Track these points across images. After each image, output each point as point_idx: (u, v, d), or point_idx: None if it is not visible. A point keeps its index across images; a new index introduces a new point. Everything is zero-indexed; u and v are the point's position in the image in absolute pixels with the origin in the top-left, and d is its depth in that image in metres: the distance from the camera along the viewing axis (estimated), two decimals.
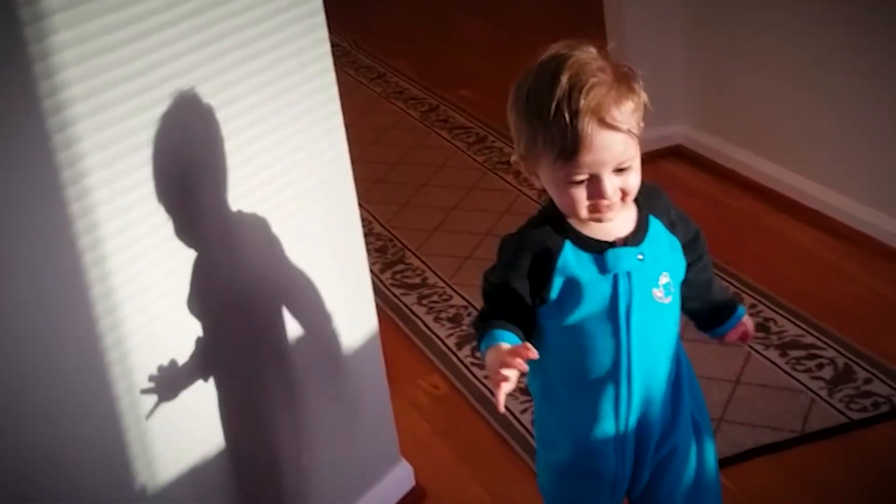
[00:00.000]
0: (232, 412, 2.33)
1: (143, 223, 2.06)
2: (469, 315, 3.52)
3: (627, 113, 1.80)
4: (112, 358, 2.04)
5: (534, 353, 1.79)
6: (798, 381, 3.06)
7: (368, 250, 3.94)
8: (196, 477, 2.25)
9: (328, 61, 2.40)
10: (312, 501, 2.56)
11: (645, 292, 1.92)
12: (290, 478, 2.50)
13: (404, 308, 3.64)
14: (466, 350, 3.36)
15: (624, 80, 1.82)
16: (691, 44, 4.27)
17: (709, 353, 3.21)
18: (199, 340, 2.21)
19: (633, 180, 1.83)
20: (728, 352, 3.20)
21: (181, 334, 2.18)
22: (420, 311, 3.61)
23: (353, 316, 2.59)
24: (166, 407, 2.16)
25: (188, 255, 2.16)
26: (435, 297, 3.67)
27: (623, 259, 1.90)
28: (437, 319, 3.55)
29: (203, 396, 2.25)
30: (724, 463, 2.78)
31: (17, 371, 1.90)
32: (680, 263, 1.97)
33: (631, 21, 4.31)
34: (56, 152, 1.88)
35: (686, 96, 4.37)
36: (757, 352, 3.19)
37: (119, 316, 2.04)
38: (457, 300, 3.63)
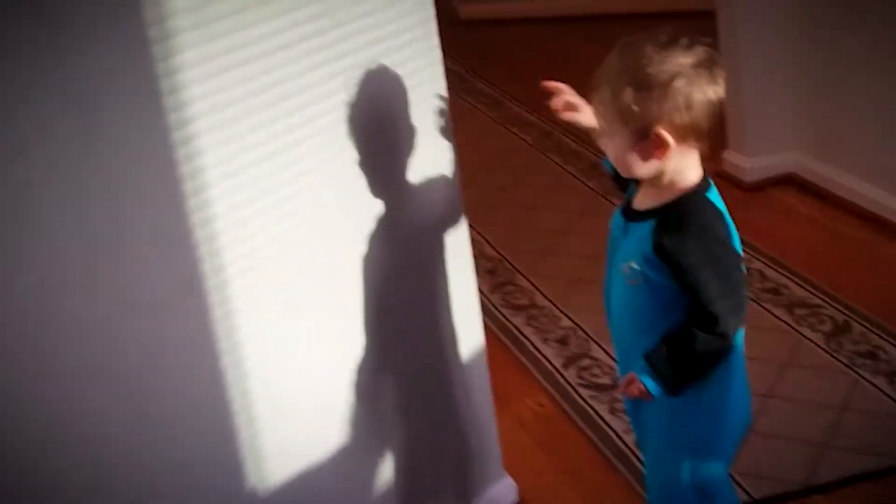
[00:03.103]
0: (344, 422, 2.41)
1: (260, 232, 2.16)
2: (576, 336, 3.57)
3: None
4: (226, 362, 2.13)
5: None
6: None
7: (479, 272, 4.01)
8: (304, 482, 2.33)
9: (442, 88, 2.48)
10: None
11: (617, 261, 2.14)
12: (396, 489, 2.56)
13: (512, 328, 3.69)
14: (573, 370, 3.40)
15: None
16: (804, 71, 4.27)
17: (815, 377, 3.22)
18: (309, 353, 2.30)
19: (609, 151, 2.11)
20: (834, 377, 3.20)
21: (293, 344, 2.26)
22: (528, 331, 3.66)
23: (462, 334, 2.65)
24: (278, 411, 2.25)
25: (305, 267, 2.25)
26: (543, 319, 3.72)
27: (615, 222, 2.17)
28: (545, 340, 3.59)
29: (315, 404, 2.33)
30: (829, 487, 2.80)
31: (129, 371, 2.00)
32: (651, 271, 2.06)
33: (745, 49, 4.32)
34: (175, 147, 1.99)
35: (799, 124, 4.36)
36: (865, 378, 3.18)
37: (234, 321, 2.13)
38: (565, 322, 3.67)
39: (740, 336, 2.16)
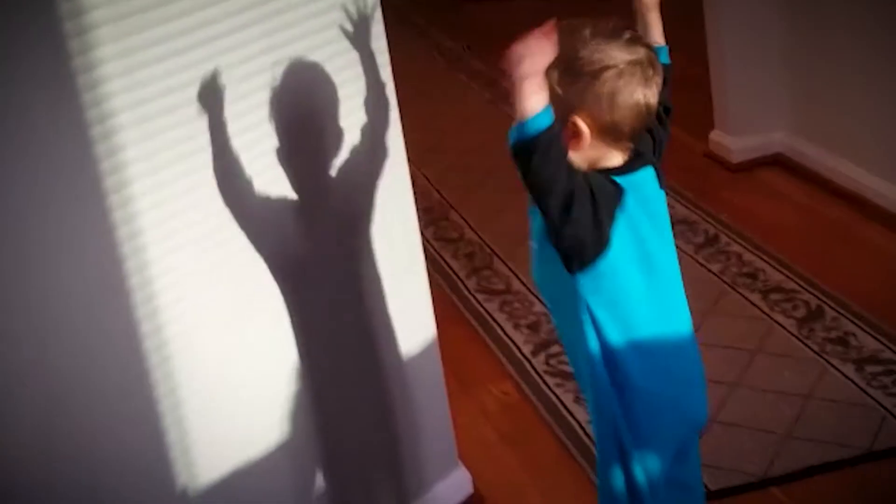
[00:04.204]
0: (283, 416, 2.38)
1: (184, 229, 2.13)
2: (548, 321, 3.53)
3: None
4: (153, 361, 2.11)
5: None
6: (872, 397, 2.99)
7: (457, 255, 4.01)
8: (239, 480, 2.30)
9: (387, 70, 2.44)
10: (367, 501, 2.60)
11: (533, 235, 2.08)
12: (341, 483, 2.54)
13: (485, 313, 3.66)
14: (541, 358, 3.36)
15: None
16: (790, 48, 4.20)
17: (784, 365, 3.18)
18: (241, 348, 2.27)
19: None
20: (804, 365, 3.16)
21: (222, 340, 2.24)
22: (500, 317, 3.62)
23: (411, 325, 2.62)
24: (209, 409, 2.22)
25: (237, 264, 2.23)
26: (517, 304, 3.68)
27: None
28: (516, 326, 3.56)
29: (248, 399, 2.31)
30: (787, 479, 2.76)
31: (53, 373, 1.98)
32: (545, 250, 1.99)
33: (729, 26, 4.26)
34: (96, 143, 1.97)
35: (786, 104, 4.30)
36: (833, 366, 3.13)
37: (159, 320, 2.10)
38: (538, 307, 3.63)
39: (684, 329, 2.10)
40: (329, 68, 2.32)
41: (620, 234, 1.93)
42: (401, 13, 6.02)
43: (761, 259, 3.72)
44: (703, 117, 4.53)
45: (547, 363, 3.33)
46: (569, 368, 3.27)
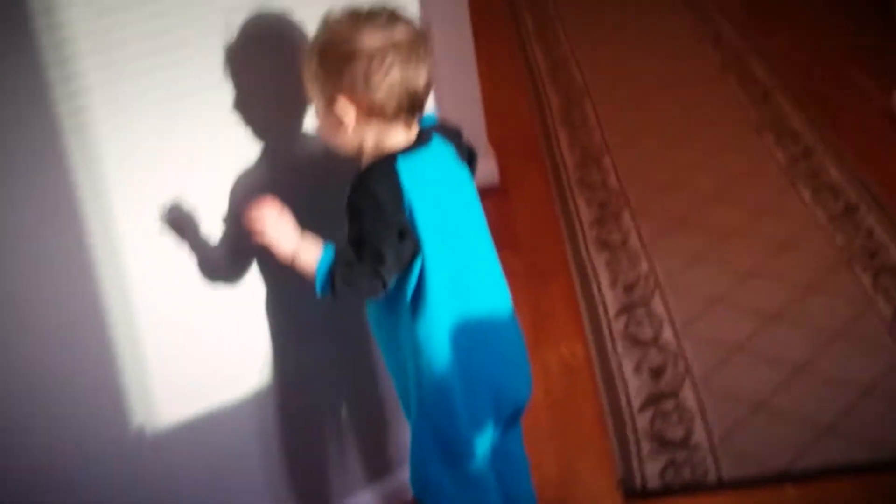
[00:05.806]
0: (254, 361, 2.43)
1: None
2: (646, 282, 3.46)
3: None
4: (113, 299, 2.16)
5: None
6: None
7: (592, 203, 3.92)
8: (200, 426, 2.36)
9: None
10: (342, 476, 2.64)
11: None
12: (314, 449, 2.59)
13: (588, 267, 3.60)
14: (622, 320, 3.30)
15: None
16: None
17: (860, 355, 3.00)
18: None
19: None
20: (878, 357, 2.99)
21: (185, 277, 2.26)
22: (603, 272, 3.56)
23: None
24: (169, 351, 2.27)
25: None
26: (624, 261, 3.61)
27: None
28: (613, 284, 3.50)
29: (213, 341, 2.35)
30: (804, 477, 2.64)
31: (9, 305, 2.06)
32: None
33: None
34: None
35: None
36: None
37: (122, 260, 2.15)
38: (643, 266, 3.56)
39: (499, 309, 2.18)
40: None
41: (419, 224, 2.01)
42: None
43: (891, 236, 3.50)
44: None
45: (626, 327, 3.27)
46: (643, 335, 3.21)
